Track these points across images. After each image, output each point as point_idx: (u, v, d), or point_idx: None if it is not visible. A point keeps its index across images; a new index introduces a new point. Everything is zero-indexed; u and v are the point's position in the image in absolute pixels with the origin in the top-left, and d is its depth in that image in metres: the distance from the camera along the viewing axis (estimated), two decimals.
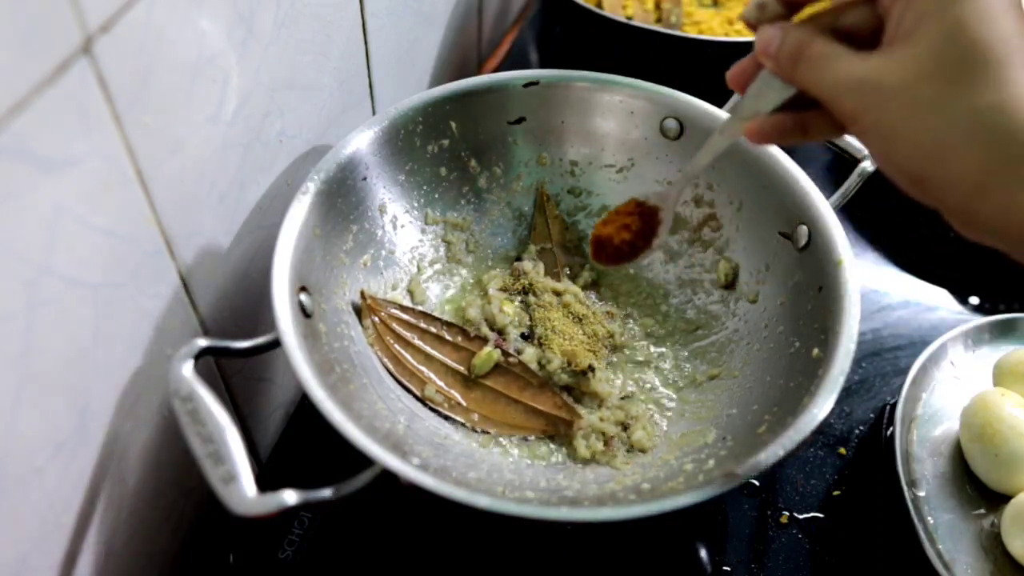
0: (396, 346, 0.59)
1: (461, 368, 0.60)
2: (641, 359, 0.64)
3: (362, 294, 0.60)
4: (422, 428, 0.56)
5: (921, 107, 0.36)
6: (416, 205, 0.65)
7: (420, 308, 0.63)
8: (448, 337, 0.61)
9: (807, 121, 0.43)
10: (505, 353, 0.61)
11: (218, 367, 0.56)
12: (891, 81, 0.37)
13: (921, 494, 0.59)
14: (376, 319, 0.59)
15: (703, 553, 0.60)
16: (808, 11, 0.43)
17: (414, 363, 0.59)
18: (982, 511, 0.59)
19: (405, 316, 0.61)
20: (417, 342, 0.60)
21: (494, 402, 0.59)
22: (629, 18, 0.89)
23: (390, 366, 0.58)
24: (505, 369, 0.60)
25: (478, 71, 0.97)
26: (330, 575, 0.57)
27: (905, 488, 0.58)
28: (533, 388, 0.60)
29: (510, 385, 0.60)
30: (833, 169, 0.76)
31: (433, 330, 0.61)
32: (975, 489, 0.60)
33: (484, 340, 0.61)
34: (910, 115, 0.36)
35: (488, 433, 0.58)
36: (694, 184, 0.66)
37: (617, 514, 0.45)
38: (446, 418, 0.58)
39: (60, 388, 0.43)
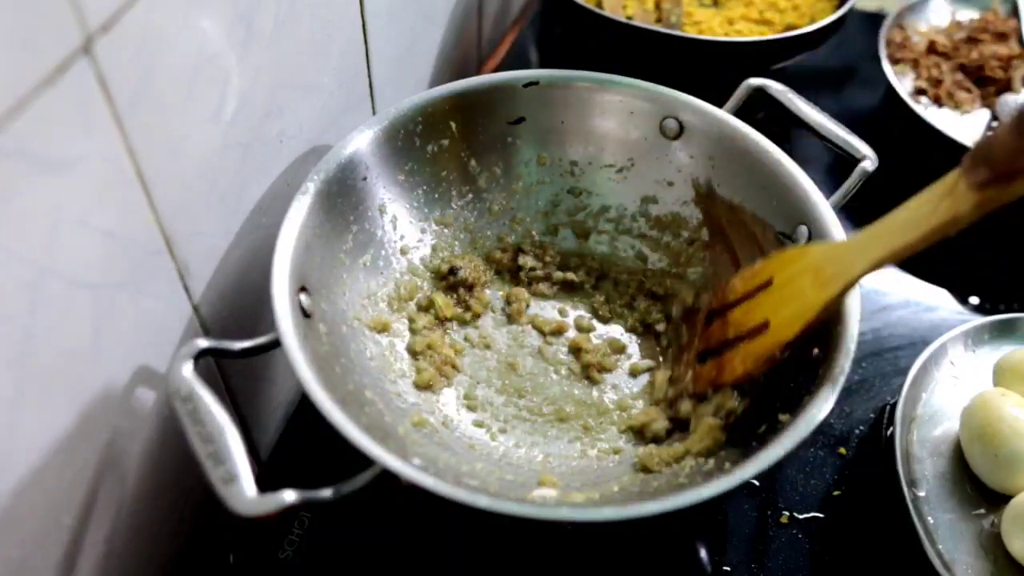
0: None
1: None
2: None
3: None
4: (422, 428, 0.56)
5: None
6: (416, 205, 0.65)
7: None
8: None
9: None
10: None
11: (218, 367, 0.56)
12: None
13: (921, 494, 0.59)
14: None
15: (703, 553, 0.60)
16: None
17: None
18: (982, 511, 0.59)
19: None
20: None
21: None
22: (629, 18, 0.89)
23: None
24: None
25: (478, 71, 0.97)
26: (330, 575, 0.57)
27: (905, 488, 0.58)
28: None
29: None
30: (833, 169, 0.76)
31: None
32: (975, 489, 0.60)
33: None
34: None
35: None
36: (694, 184, 0.66)
37: (617, 514, 0.45)
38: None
39: (60, 388, 0.43)
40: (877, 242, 0.48)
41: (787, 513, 0.61)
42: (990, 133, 0.42)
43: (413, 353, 0.61)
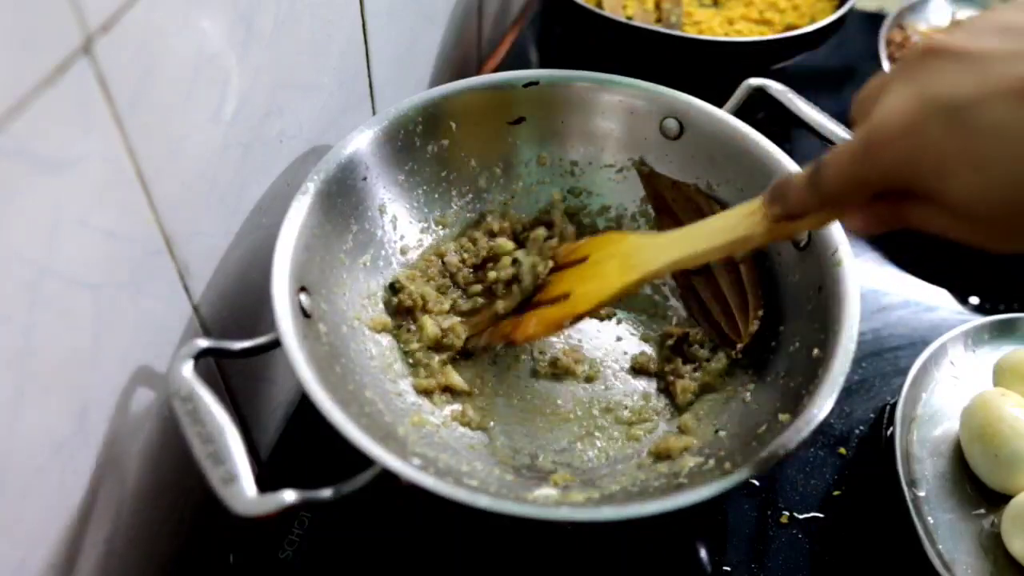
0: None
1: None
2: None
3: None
4: (422, 428, 0.56)
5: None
6: (416, 205, 0.65)
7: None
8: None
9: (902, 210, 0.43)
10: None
11: (218, 367, 0.56)
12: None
13: (921, 494, 0.59)
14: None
15: (703, 553, 0.60)
16: None
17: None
18: (982, 511, 0.59)
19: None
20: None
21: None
22: (629, 18, 0.89)
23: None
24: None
25: (478, 71, 0.97)
26: (330, 575, 0.57)
27: (905, 488, 0.58)
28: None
29: None
30: None
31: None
32: (975, 489, 0.60)
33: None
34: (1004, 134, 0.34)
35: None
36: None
37: (617, 514, 0.45)
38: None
39: (60, 388, 0.43)
40: (680, 244, 0.53)
41: (787, 513, 0.61)
42: (789, 175, 0.46)
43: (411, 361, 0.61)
